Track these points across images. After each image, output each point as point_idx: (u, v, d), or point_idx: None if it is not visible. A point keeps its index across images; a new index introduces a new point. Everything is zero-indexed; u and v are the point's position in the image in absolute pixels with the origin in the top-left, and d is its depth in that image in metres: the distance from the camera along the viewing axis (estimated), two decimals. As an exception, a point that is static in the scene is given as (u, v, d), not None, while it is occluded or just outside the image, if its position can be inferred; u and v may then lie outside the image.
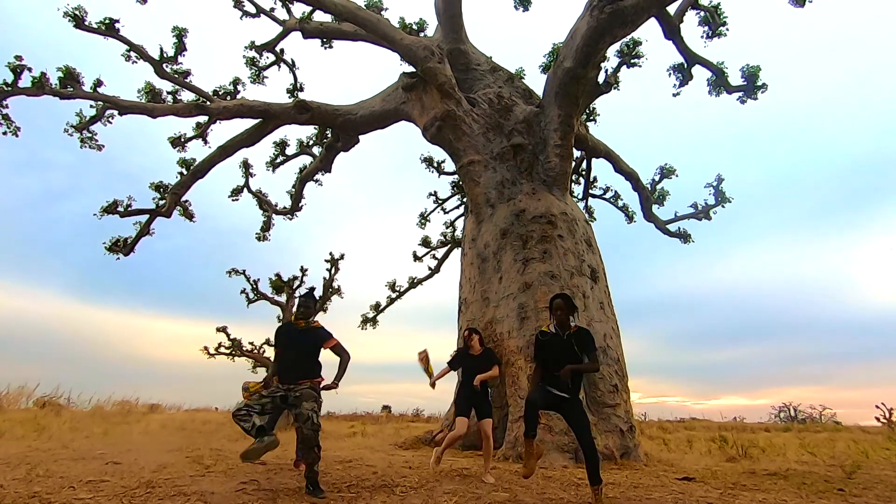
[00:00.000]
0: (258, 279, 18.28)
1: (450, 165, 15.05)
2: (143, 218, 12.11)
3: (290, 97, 13.79)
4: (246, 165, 14.65)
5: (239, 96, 12.88)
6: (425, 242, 17.68)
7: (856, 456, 7.69)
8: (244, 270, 18.16)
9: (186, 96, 12.30)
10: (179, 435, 9.38)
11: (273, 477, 4.79)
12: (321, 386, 4.23)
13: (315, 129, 14.04)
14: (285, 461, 5.72)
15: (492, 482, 4.73)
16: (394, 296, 18.41)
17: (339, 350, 4.37)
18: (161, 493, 3.79)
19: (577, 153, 12.35)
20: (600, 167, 16.42)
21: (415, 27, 13.47)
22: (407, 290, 18.40)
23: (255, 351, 18.09)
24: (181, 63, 12.15)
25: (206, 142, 12.94)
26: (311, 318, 4.52)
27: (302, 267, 18.98)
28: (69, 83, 10.97)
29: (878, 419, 17.75)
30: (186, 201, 12.73)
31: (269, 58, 13.57)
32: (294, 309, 4.46)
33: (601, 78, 9.72)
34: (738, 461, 7.58)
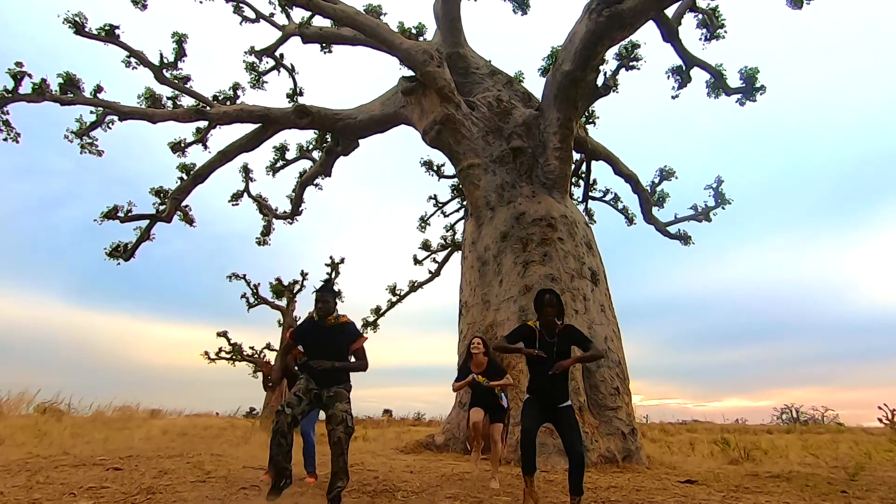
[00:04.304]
0: (258, 283, 18.33)
1: (449, 169, 15.07)
2: (144, 223, 12.14)
3: (289, 102, 13.81)
4: (246, 170, 14.69)
5: (239, 101, 12.91)
6: (425, 246, 17.69)
7: (859, 457, 7.66)
8: (244, 275, 18.21)
9: (186, 101, 12.33)
10: (180, 440, 9.36)
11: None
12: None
13: (315, 133, 14.07)
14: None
15: (496, 487, 4.71)
16: (394, 299, 18.42)
17: (361, 355, 3.98)
18: (162, 499, 3.78)
19: (576, 156, 12.35)
20: (600, 169, 16.42)
21: (414, 31, 13.51)
22: (407, 293, 18.41)
23: (256, 355, 18.09)
24: (181, 68, 12.22)
25: (206, 147, 12.99)
26: (336, 314, 4.04)
27: (302, 271, 19.04)
28: (69, 89, 11.01)
29: (880, 420, 17.74)
30: (186, 206, 12.76)
31: (268, 63, 13.60)
32: (314, 306, 4.03)
33: (600, 81, 9.75)
34: (741, 463, 7.56)
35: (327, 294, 3.99)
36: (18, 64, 10.54)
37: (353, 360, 3.99)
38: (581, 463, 3.51)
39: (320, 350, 3.89)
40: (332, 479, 3.60)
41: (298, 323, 4.25)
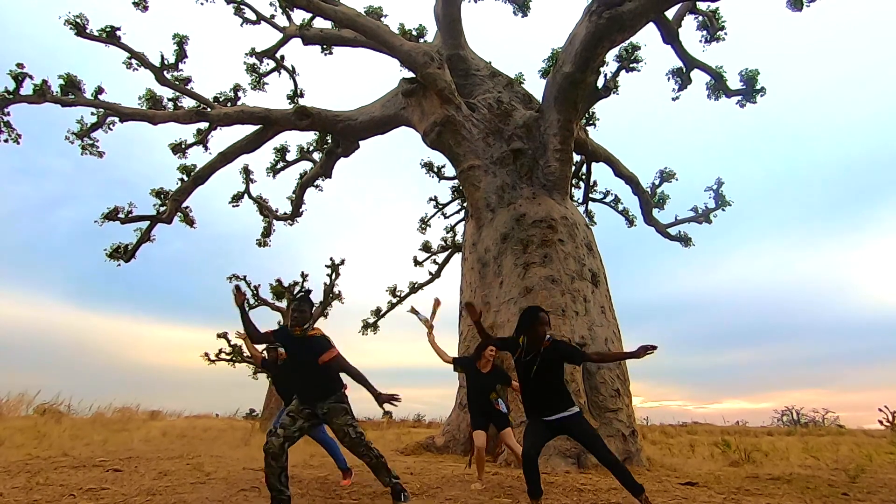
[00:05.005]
0: (259, 285, 18.36)
1: (450, 170, 15.08)
2: (144, 224, 12.14)
3: (290, 103, 13.83)
4: (246, 171, 14.70)
5: (239, 103, 12.93)
6: (426, 247, 17.69)
7: (859, 460, 7.64)
8: (245, 276, 18.22)
9: (187, 103, 12.35)
10: (180, 442, 9.35)
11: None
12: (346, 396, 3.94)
13: (315, 134, 14.08)
14: (295, 470, 5.68)
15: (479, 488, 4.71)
16: (394, 301, 18.42)
17: (344, 365, 3.87)
18: (161, 500, 3.78)
19: (576, 157, 12.36)
20: (600, 171, 16.43)
21: (414, 33, 13.53)
22: (407, 294, 18.41)
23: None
24: (182, 70, 12.23)
25: (206, 148, 12.99)
26: (309, 325, 3.99)
27: (302, 272, 19.05)
28: (70, 91, 11.03)
29: (881, 422, 17.68)
30: (187, 207, 12.76)
31: (269, 64, 13.63)
32: (290, 315, 3.97)
33: (600, 82, 9.75)
34: (741, 466, 7.54)
35: (304, 304, 3.98)
36: (20, 65, 10.55)
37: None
38: (614, 464, 3.43)
39: (292, 360, 3.91)
40: (376, 475, 3.84)
41: (279, 327, 4.22)
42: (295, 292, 18.48)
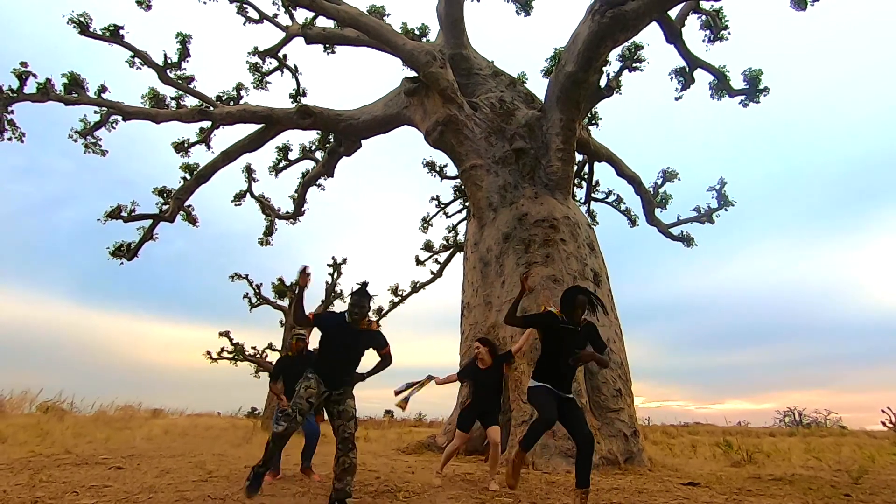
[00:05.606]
0: (261, 284, 18.38)
1: (452, 170, 15.08)
2: (147, 223, 12.17)
3: (292, 102, 13.84)
4: (249, 170, 14.74)
5: (242, 101, 12.94)
6: (428, 246, 17.71)
7: (862, 461, 7.61)
8: (247, 275, 18.26)
9: (190, 102, 12.36)
10: (182, 440, 9.37)
11: (276, 482, 4.78)
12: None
13: (317, 133, 14.09)
14: (289, 466, 5.70)
15: (496, 489, 4.69)
16: (396, 300, 18.46)
17: (389, 358, 4.02)
18: (163, 498, 3.79)
19: (579, 157, 12.32)
20: (602, 171, 16.40)
21: (417, 32, 13.53)
22: (409, 294, 18.45)
23: (258, 355, 18.12)
24: (185, 69, 12.25)
25: (209, 147, 13.02)
26: (369, 319, 4.01)
27: (304, 271, 19.04)
28: (74, 89, 11.05)
29: (884, 423, 17.64)
30: (189, 206, 12.79)
31: (271, 63, 13.63)
32: (348, 310, 3.90)
33: (603, 82, 9.73)
34: (743, 466, 7.52)
35: (364, 299, 3.92)
36: (23, 64, 10.58)
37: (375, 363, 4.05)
38: (590, 446, 3.51)
39: (340, 348, 3.83)
40: (342, 475, 3.56)
41: (326, 311, 4.15)
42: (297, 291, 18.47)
